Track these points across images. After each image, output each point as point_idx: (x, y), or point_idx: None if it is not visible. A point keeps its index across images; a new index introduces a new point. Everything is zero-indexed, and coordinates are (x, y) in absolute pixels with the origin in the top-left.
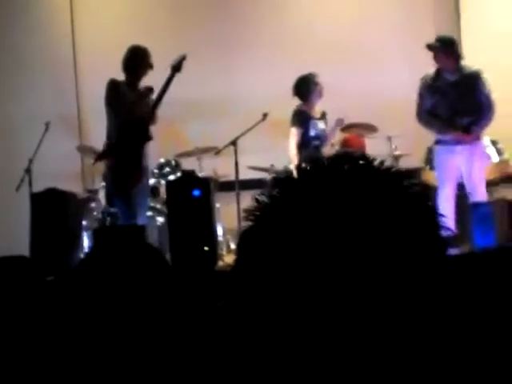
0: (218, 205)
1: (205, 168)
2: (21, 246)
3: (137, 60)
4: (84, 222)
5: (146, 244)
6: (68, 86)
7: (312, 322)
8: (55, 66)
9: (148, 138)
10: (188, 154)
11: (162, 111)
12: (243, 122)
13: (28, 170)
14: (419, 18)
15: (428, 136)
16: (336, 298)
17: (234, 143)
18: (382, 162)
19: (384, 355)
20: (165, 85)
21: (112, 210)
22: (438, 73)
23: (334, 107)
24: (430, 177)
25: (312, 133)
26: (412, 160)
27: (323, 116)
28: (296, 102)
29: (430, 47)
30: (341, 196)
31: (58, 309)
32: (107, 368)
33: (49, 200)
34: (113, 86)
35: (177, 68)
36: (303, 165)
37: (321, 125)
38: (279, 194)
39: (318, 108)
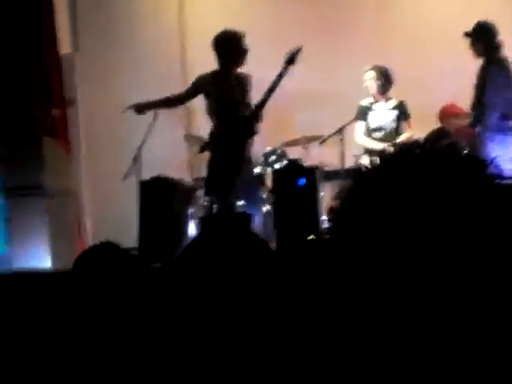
0: (322, 193)
1: (311, 157)
2: (130, 233)
3: (230, 45)
4: (191, 210)
5: (250, 232)
6: (176, 75)
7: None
8: (164, 53)
9: (251, 133)
10: (294, 143)
11: (270, 100)
12: (350, 111)
13: (136, 159)
14: None
15: None
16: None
17: (340, 132)
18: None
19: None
20: (277, 78)
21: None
22: None
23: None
24: None
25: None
26: None
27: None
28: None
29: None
30: (426, 185)
31: (164, 295)
32: (224, 350)
33: (156, 188)
34: (197, 81)
35: (291, 60)
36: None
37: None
38: (369, 181)
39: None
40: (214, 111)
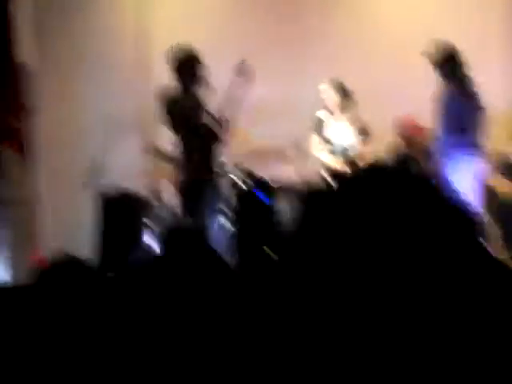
0: (280, 207)
1: (269, 170)
2: (86, 243)
3: (187, 64)
4: (146, 221)
5: (207, 247)
6: (140, 84)
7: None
8: (128, 62)
9: (217, 140)
10: (253, 156)
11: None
12: (307, 123)
13: (95, 170)
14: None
15: None
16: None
17: (298, 145)
18: (420, 171)
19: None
20: (229, 91)
21: (177, 210)
22: None
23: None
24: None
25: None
26: None
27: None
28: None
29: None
30: (377, 203)
31: (120, 305)
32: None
33: (114, 199)
34: (164, 100)
35: (239, 73)
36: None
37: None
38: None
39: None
40: (177, 128)
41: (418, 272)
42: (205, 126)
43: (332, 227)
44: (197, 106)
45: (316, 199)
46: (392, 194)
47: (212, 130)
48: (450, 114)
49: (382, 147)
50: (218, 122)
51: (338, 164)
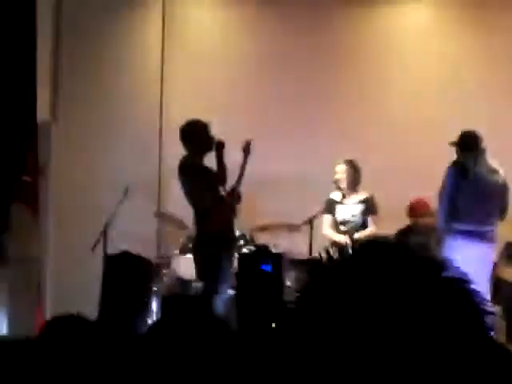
0: (289, 282)
1: (280, 244)
2: (90, 305)
3: (199, 137)
4: (155, 288)
5: (213, 316)
6: (151, 150)
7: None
8: (140, 129)
9: (231, 208)
10: (263, 229)
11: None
12: (320, 199)
13: (104, 232)
14: None
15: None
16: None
17: (310, 222)
18: (424, 250)
19: None
20: (241, 168)
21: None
22: None
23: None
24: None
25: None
26: None
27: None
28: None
29: None
30: (375, 284)
31: (123, 372)
32: None
33: (122, 262)
34: (185, 166)
35: (245, 152)
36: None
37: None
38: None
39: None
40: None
41: (419, 358)
42: (220, 192)
43: (329, 300)
44: (208, 172)
45: (317, 272)
46: (388, 267)
47: (226, 197)
48: (458, 200)
49: (395, 227)
50: (231, 193)
51: (348, 240)
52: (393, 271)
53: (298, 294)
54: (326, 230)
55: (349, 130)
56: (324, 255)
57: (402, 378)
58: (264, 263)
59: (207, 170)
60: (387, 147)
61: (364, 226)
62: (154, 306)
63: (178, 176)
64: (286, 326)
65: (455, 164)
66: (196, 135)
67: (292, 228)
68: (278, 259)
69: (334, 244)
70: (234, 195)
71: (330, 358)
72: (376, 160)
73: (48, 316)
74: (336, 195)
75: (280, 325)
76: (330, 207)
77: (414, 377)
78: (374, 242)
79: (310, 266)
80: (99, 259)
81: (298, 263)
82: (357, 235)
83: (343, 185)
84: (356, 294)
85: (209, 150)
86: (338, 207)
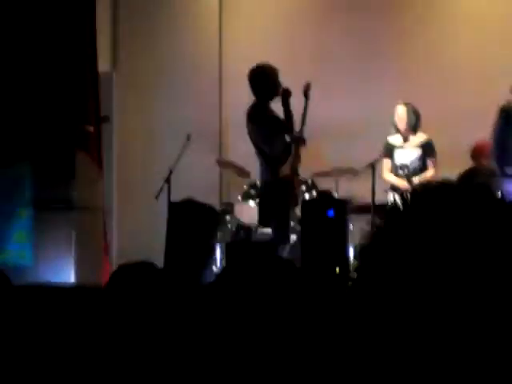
0: (352, 227)
1: (341, 189)
2: (155, 253)
3: (268, 81)
4: (218, 234)
5: (279, 259)
6: (211, 99)
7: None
8: (200, 77)
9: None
10: (325, 175)
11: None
12: (380, 144)
13: (167, 180)
14: None
15: None
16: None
17: (372, 166)
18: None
19: None
20: (303, 113)
21: (263, 229)
22: None
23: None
24: None
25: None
26: None
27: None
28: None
29: None
30: (451, 225)
31: (192, 319)
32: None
33: (186, 210)
34: (255, 112)
35: (306, 94)
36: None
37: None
38: (394, 219)
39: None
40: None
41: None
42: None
43: (405, 244)
44: (277, 120)
45: (385, 217)
46: (457, 207)
47: (290, 143)
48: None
49: (457, 170)
50: (296, 139)
51: (408, 185)
52: (467, 214)
53: (372, 239)
54: (386, 174)
55: (411, 74)
56: (392, 200)
57: (484, 318)
58: (328, 209)
59: (276, 117)
60: (450, 91)
61: (422, 169)
62: (218, 252)
63: (246, 123)
64: (361, 268)
65: (504, 108)
66: (266, 79)
67: (353, 173)
68: (341, 204)
69: (394, 188)
70: (299, 141)
71: (407, 301)
72: (438, 103)
73: (114, 264)
74: (395, 139)
75: (344, 269)
76: (389, 151)
77: (496, 317)
78: (441, 185)
79: (382, 211)
80: (163, 207)
81: (361, 208)
82: (416, 179)
83: (402, 127)
84: (430, 238)
85: (276, 95)
86: (397, 151)
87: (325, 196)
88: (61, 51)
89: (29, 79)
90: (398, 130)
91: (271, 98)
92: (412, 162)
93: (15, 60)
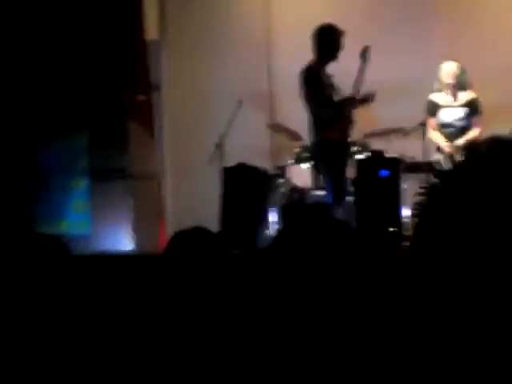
0: (405, 186)
1: (393, 149)
2: (210, 219)
3: (335, 40)
4: (271, 197)
5: (334, 220)
6: (260, 62)
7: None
8: (249, 41)
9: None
10: (376, 135)
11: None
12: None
13: (219, 145)
14: None
15: None
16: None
17: (423, 125)
18: None
19: None
20: (359, 74)
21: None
22: None
23: None
24: None
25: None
26: None
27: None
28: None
29: None
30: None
31: (247, 283)
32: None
33: (240, 174)
34: (312, 74)
35: (363, 58)
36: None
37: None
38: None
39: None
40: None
41: None
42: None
43: (455, 205)
44: (331, 81)
45: (441, 176)
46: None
47: (343, 104)
48: None
49: (506, 128)
50: (349, 99)
51: (452, 147)
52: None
53: (430, 198)
54: (431, 133)
55: (462, 32)
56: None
57: None
58: (381, 168)
59: (331, 78)
60: (501, 46)
61: (468, 128)
62: (272, 215)
63: (300, 85)
64: (421, 226)
65: None
66: (333, 38)
67: (404, 132)
68: (394, 164)
69: (440, 150)
70: (353, 102)
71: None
72: (489, 59)
73: (170, 230)
74: (439, 96)
75: (398, 229)
76: (433, 110)
77: None
78: (497, 142)
79: (435, 170)
80: (216, 172)
81: (414, 167)
82: (463, 139)
83: (451, 85)
84: (490, 195)
85: (336, 57)
86: (442, 110)
87: (377, 156)
88: (109, 23)
89: (81, 52)
90: (444, 87)
91: (332, 59)
92: (458, 120)
93: (67, 34)
